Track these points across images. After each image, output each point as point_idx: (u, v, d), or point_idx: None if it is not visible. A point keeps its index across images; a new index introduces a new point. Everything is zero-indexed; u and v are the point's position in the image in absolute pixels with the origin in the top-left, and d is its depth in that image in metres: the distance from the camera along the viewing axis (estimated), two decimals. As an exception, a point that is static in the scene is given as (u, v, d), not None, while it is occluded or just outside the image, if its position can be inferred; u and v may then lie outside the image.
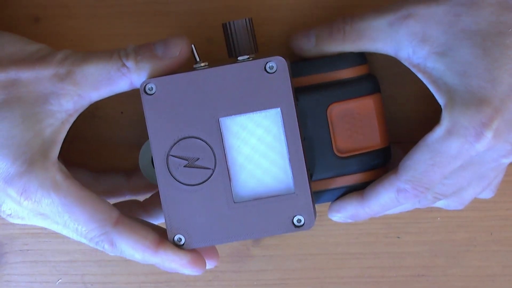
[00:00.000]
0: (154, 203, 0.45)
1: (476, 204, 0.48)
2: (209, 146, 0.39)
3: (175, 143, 0.39)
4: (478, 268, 0.48)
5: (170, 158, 0.39)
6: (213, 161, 0.39)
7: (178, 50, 0.39)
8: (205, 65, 0.40)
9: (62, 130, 0.39)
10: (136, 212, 0.44)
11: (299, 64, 0.42)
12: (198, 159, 0.39)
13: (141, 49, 0.39)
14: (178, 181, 0.39)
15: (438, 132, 0.39)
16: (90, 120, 0.47)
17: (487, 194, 0.44)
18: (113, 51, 0.40)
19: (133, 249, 0.39)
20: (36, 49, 0.40)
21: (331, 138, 0.42)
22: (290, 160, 0.39)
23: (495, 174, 0.42)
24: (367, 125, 0.42)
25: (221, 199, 0.39)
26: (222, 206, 0.39)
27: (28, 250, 0.49)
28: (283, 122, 0.39)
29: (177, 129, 0.39)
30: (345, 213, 0.43)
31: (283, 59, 0.38)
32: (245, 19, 0.40)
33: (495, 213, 0.48)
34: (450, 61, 0.39)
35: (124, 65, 0.39)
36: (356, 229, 0.48)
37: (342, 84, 0.42)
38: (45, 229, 0.48)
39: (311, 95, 0.42)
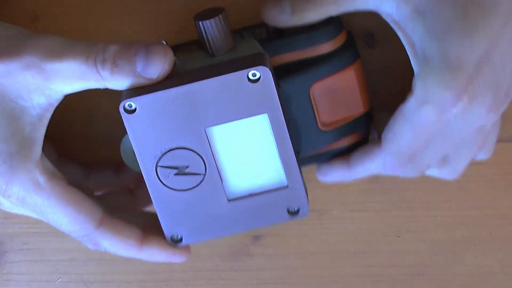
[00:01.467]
0: (141, 189, 0.45)
1: (476, 202, 0.48)
2: (198, 154, 0.39)
3: (162, 155, 0.39)
4: (478, 267, 0.48)
5: (159, 168, 0.39)
6: (203, 167, 0.39)
7: (158, 71, 0.37)
8: (179, 60, 0.39)
9: (41, 127, 0.38)
10: (124, 200, 0.44)
11: (275, 43, 0.41)
12: (187, 166, 0.39)
13: (120, 58, 0.37)
14: (169, 187, 0.39)
15: (412, 102, 0.39)
16: (87, 117, 0.47)
17: (483, 156, 0.44)
18: (89, 52, 0.37)
19: (116, 248, 0.40)
20: (7, 35, 0.38)
21: (315, 116, 0.42)
22: (281, 157, 0.39)
23: (483, 137, 0.41)
24: (350, 95, 0.42)
25: (215, 199, 0.40)
26: (217, 204, 0.40)
27: (28, 249, 0.49)
28: (271, 126, 0.38)
29: (163, 142, 0.38)
30: (331, 178, 0.44)
31: (266, 68, 0.37)
32: (218, 17, 0.38)
33: (495, 211, 0.48)
34: (429, 23, 0.38)
35: (98, 72, 0.37)
36: (356, 228, 0.48)
37: (322, 60, 0.41)
38: (45, 228, 0.48)
39: (292, 79, 0.41)
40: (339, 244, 0.48)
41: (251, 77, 0.37)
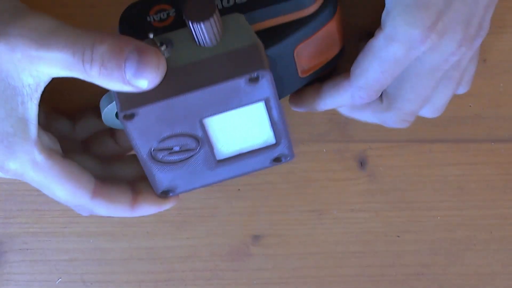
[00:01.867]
0: (123, 134, 0.45)
1: (476, 202, 0.48)
2: (192, 136, 0.39)
3: (158, 143, 0.39)
4: (478, 267, 0.48)
5: (154, 152, 0.39)
6: (196, 144, 0.40)
7: (147, 84, 0.36)
8: (166, 49, 0.38)
9: (33, 106, 0.37)
10: (110, 147, 0.45)
11: (259, 11, 0.41)
12: (181, 146, 0.40)
13: (109, 61, 0.35)
14: (163, 162, 0.40)
15: (381, 38, 0.39)
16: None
17: (462, 90, 0.44)
18: (77, 47, 0.35)
19: (109, 213, 0.41)
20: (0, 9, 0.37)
21: (296, 68, 0.43)
22: (271, 122, 0.40)
23: (460, 73, 0.41)
24: (330, 42, 0.43)
25: (205, 163, 0.41)
26: (206, 166, 0.41)
27: (27, 249, 0.49)
28: (266, 109, 0.39)
29: (159, 133, 0.39)
30: (303, 107, 0.45)
31: (267, 71, 0.37)
32: (212, 18, 0.37)
33: (495, 211, 0.48)
34: None
35: (85, 71, 0.35)
36: (356, 228, 0.48)
37: (306, 21, 0.41)
38: (45, 228, 0.48)
39: (278, 45, 0.41)
40: (339, 244, 0.48)
41: (250, 78, 0.37)
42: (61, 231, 0.49)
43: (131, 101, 0.37)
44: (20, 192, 0.49)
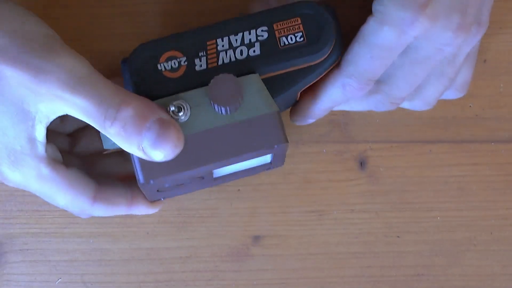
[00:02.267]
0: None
1: (476, 203, 0.48)
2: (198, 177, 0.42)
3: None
4: (478, 268, 0.48)
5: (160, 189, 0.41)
6: (200, 178, 0.42)
7: (162, 155, 0.36)
8: (183, 114, 0.39)
9: (43, 129, 0.38)
10: (111, 164, 0.45)
11: (273, 66, 0.41)
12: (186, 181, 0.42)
13: (130, 125, 0.35)
14: (163, 190, 0.42)
15: (371, 23, 0.39)
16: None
17: (453, 94, 0.44)
18: (103, 102, 0.36)
19: (108, 214, 0.42)
20: (42, 35, 0.37)
21: (296, 96, 0.44)
22: (272, 157, 0.42)
23: (454, 70, 0.41)
24: None
25: (202, 183, 0.42)
26: (202, 184, 0.43)
27: (28, 249, 0.49)
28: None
29: (171, 187, 0.41)
30: (303, 115, 0.44)
31: (285, 144, 0.39)
32: (236, 103, 0.38)
33: (495, 212, 0.48)
34: None
35: (104, 126, 0.36)
36: (356, 229, 0.48)
37: (314, 69, 0.41)
38: (45, 228, 0.48)
39: (285, 93, 0.41)
40: (339, 245, 0.48)
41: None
42: (61, 231, 0.49)
43: (151, 169, 0.38)
44: (20, 192, 0.49)
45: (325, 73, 0.42)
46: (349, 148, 0.48)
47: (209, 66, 0.40)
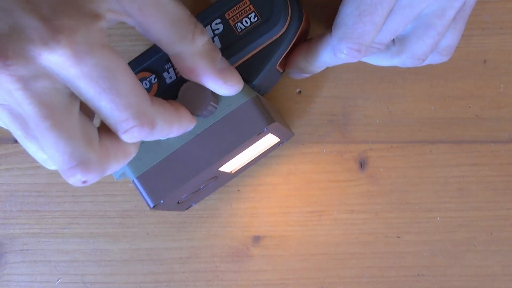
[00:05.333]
0: None
1: (476, 204, 0.48)
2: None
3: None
4: (478, 268, 0.48)
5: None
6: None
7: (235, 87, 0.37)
8: None
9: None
10: None
11: (239, 54, 0.41)
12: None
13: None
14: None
15: None
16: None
17: (438, 58, 0.43)
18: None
19: (163, 119, 0.35)
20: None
21: (277, 70, 0.44)
22: None
23: (443, 24, 0.41)
24: (304, 37, 0.44)
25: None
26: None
27: (28, 250, 0.49)
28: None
29: (180, 197, 0.42)
30: (298, 71, 0.44)
31: (273, 123, 0.39)
32: (208, 109, 0.38)
33: (495, 212, 0.48)
34: None
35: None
36: (356, 229, 0.48)
37: (281, 40, 0.41)
38: (45, 229, 0.48)
39: (262, 73, 0.41)
40: (339, 245, 0.48)
41: (259, 133, 0.39)
42: (62, 232, 0.49)
43: (157, 191, 0.39)
44: (20, 193, 0.49)
45: (295, 39, 0.42)
46: (349, 149, 0.48)
47: (178, 75, 0.41)
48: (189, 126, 0.37)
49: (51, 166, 0.34)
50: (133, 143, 0.34)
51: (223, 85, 0.37)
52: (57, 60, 0.30)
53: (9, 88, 0.29)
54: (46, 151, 0.31)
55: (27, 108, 0.30)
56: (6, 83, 0.29)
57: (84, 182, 0.31)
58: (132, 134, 0.32)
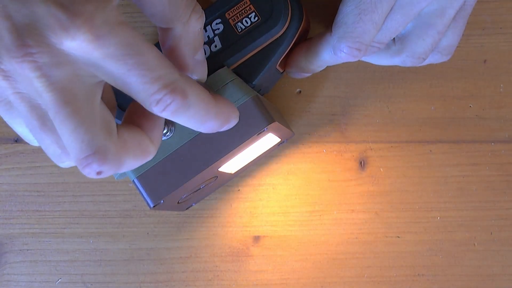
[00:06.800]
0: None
1: (476, 203, 0.48)
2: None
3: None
4: (478, 268, 0.48)
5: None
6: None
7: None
8: (168, 129, 0.39)
9: None
10: None
11: (239, 54, 0.41)
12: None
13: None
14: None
15: None
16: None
17: (438, 58, 0.43)
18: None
19: (199, 96, 0.34)
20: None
21: (278, 69, 0.44)
22: None
23: (443, 23, 0.41)
24: (304, 37, 0.44)
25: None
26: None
27: (28, 249, 0.49)
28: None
29: (181, 197, 0.42)
30: (298, 71, 0.44)
31: (274, 123, 0.39)
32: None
33: (495, 212, 0.48)
34: None
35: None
36: (356, 229, 0.48)
37: (281, 40, 0.41)
38: (45, 228, 0.48)
39: (262, 73, 0.42)
40: (339, 245, 0.48)
41: (259, 133, 0.39)
42: (62, 231, 0.49)
43: (156, 191, 0.39)
44: (20, 193, 0.49)
45: (296, 39, 0.42)
46: (349, 148, 0.48)
47: None
48: (228, 114, 0.35)
49: (64, 162, 0.33)
50: (152, 142, 0.33)
51: (190, 75, 0.36)
52: (79, 46, 0.30)
53: (30, 76, 0.29)
54: (64, 139, 0.30)
55: (47, 96, 0.30)
56: (28, 71, 0.29)
57: (98, 173, 0.31)
58: (165, 103, 0.31)
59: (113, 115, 0.33)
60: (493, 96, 0.48)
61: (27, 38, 0.29)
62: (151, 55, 0.31)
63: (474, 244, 0.48)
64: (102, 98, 0.32)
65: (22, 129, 0.34)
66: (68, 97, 0.30)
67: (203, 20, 0.36)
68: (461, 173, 0.48)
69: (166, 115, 0.31)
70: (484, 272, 0.48)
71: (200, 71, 0.37)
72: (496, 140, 0.48)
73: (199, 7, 0.36)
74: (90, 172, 0.31)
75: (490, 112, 0.48)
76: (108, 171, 0.31)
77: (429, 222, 0.48)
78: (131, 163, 0.32)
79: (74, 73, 0.30)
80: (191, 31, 0.35)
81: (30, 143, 0.34)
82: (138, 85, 0.31)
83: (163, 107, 0.31)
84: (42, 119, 0.31)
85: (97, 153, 0.30)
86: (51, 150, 0.32)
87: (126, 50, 0.30)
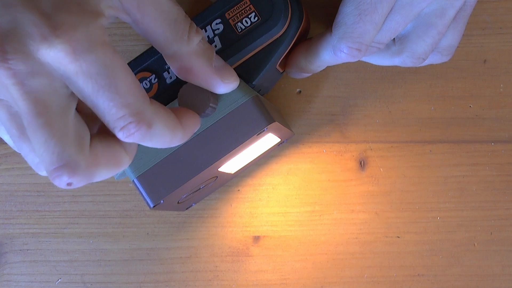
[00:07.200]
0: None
1: (476, 203, 0.48)
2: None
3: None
4: (478, 268, 0.48)
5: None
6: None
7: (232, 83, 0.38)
8: None
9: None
10: None
11: (239, 54, 0.41)
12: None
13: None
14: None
15: None
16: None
17: (438, 58, 0.43)
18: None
19: (161, 121, 0.34)
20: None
21: (277, 69, 0.44)
22: None
23: (443, 24, 0.41)
24: (304, 37, 0.44)
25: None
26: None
27: (28, 249, 0.49)
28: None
29: (181, 197, 0.42)
30: (298, 71, 0.44)
31: (273, 123, 0.39)
32: (208, 110, 0.38)
33: (495, 212, 0.48)
34: None
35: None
36: (356, 229, 0.48)
37: (281, 40, 0.41)
38: (45, 228, 0.48)
39: (262, 73, 0.42)
40: (339, 245, 0.48)
41: (258, 133, 0.39)
42: (61, 232, 0.49)
43: (157, 191, 0.39)
44: (20, 193, 0.49)
45: (296, 39, 0.42)
46: (349, 148, 0.48)
47: None
48: (193, 128, 0.36)
49: (43, 171, 0.33)
50: (127, 153, 0.33)
51: (221, 83, 0.37)
52: (56, 56, 0.30)
53: (6, 83, 0.29)
54: (36, 150, 0.30)
55: (21, 104, 0.30)
56: (4, 77, 0.29)
57: (69, 184, 0.31)
58: (128, 132, 0.31)
59: (86, 126, 0.32)
60: (493, 96, 0.48)
61: (6, 44, 0.29)
62: (125, 80, 0.31)
63: (474, 244, 0.48)
64: (80, 109, 0.32)
65: (5, 136, 0.34)
66: (41, 108, 0.30)
67: (200, 30, 0.36)
68: (461, 173, 0.48)
69: (129, 141, 0.32)
70: (484, 272, 0.48)
71: (228, 75, 0.37)
72: (496, 140, 0.48)
73: (192, 22, 0.36)
74: (60, 183, 0.31)
75: (490, 112, 0.48)
76: (78, 183, 0.31)
77: (429, 222, 0.48)
78: (104, 174, 0.32)
79: (49, 84, 0.30)
80: (196, 45, 0.36)
81: (16, 150, 0.34)
82: (105, 107, 0.31)
83: (127, 135, 0.31)
84: (21, 128, 0.31)
85: (67, 165, 0.30)
86: (30, 159, 0.33)
87: (100, 70, 0.30)
